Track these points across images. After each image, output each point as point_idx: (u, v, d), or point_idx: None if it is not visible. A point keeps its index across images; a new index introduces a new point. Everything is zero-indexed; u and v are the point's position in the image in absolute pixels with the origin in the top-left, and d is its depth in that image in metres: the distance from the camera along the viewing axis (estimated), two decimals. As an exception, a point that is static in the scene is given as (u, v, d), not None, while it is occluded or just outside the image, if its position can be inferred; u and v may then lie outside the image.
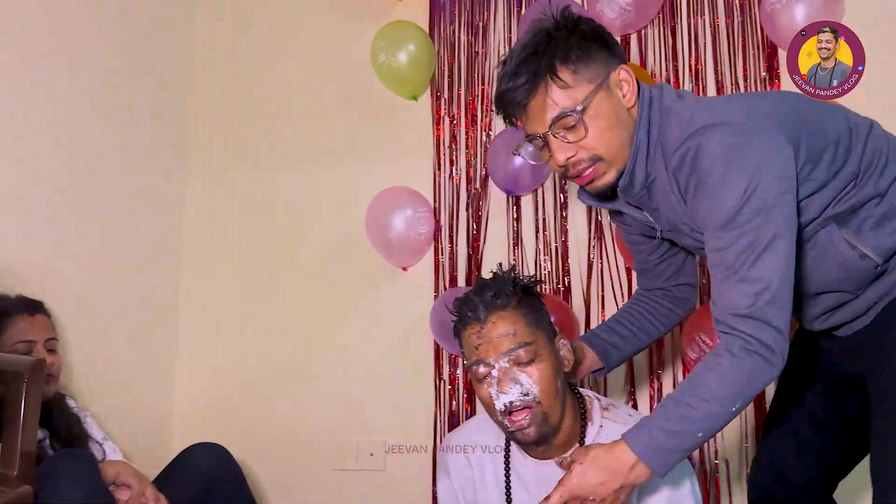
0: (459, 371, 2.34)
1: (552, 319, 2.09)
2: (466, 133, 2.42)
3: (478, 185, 2.40)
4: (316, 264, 2.54)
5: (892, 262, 1.24)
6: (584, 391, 1.51)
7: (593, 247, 2.27)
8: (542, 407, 1.35)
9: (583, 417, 1.43)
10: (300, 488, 2.44)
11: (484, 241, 2.38)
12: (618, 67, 1.29)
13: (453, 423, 2.28)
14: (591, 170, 1.31)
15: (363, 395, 2.44)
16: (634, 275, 2.18)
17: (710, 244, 1.22)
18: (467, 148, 2.42)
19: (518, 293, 1.41)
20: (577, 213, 2.30)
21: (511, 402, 1.33)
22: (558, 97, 1.27)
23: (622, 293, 2.23)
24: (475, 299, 1.40)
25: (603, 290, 2.25)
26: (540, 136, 1.31)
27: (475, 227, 2.39)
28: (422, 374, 2.38)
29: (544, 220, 2.32)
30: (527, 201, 2.35)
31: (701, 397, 1.19)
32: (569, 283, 2.28)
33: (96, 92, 2.31)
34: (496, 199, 2.37)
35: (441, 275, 2.40)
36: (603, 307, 2.24)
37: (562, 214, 2.31)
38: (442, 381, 2.35)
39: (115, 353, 2.31)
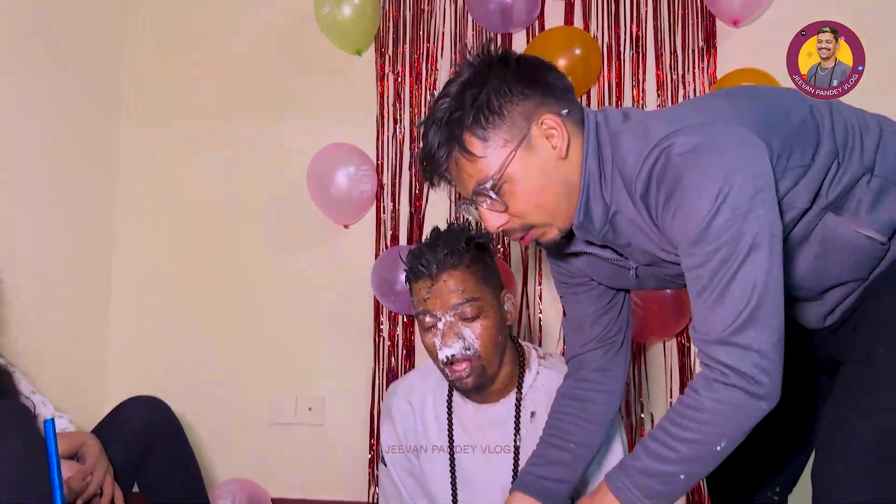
0: (399, 329, 2.37)
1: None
2: (411, 91, 2.41)
3: (421, 145, 2.40)
4: (255, 220, 2.51)
5: (894, 238, 1.15)
6: (524, 342, 1.58)
7: (533, 209, 2.31)
8: (482, 360, 1.43)
9: (521, 366, 1.52)
10: (238, 443, 2.45)
11: (426, 202, 2.39)
12: (540, 118, 1.14)
13: (392, 379, 2.32)
14: (525, 237, 1.20)
15: (302, 351, 2.45)
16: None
17: (684, 263, 1.09)
18: (411, 106, 2.41)
19: (471, 250, 1.46)
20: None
21: (453, 355, 1.42)
22: (470, 170, 1.15)
23: (559, 255, 2.28)
24: (428, 255, 1.44)
25: (540, 252, 2.30)
26: (468, 201, 1.19)
27: (418, 186, 2.40)
28: (361, 331, 2.40)
29: (486, 181, 2.35)
30: (469, 162, 2.37)
31: (680, 438, 1.07)
32: (508, 242, 2.32)
33: (27, 39, 2.21)
34: (439, 158, 2.38)
35: (382, 233, 2.41)
36: (539, 267, 2.29)
37: (503, 176, 2.33)
38: (381, 338, 2.38)
39: (45, 309, 2.26)
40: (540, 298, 2.30)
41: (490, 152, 1.13)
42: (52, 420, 1.30)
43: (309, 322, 2.46)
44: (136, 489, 1.83)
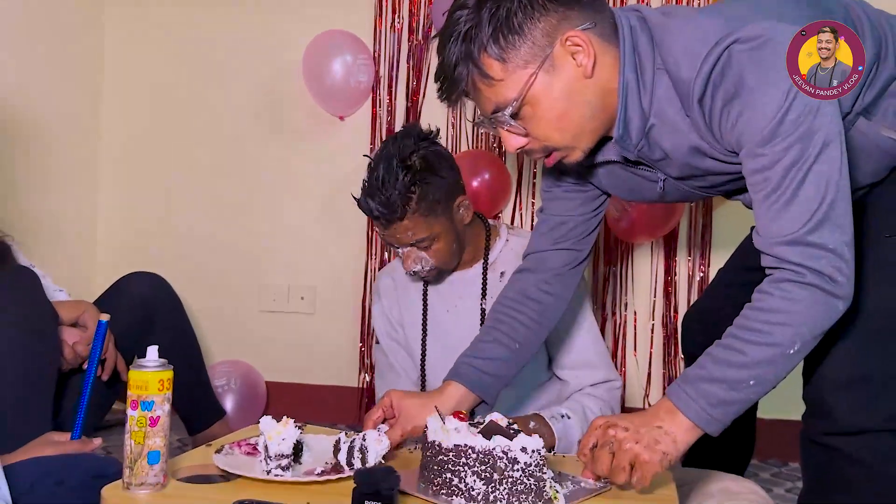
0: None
1: (487, 175, 2.19)
2: (411, -21, 2.36)
3: (420, 37, 2.36)
4: (249, 107, 2.48)
5: None
6: (493, 221, 1.71)
7: (531, 106, 2.30)
8: (440, 268, 1.61)
9: (488, 235, 1.67)
10: (230, 328, 2.49)
11: (423, 96, 2.37)
12: (564, 34, 1.07)
13: (384, 271, 2.36)
14: (548, 158, 1.16)
15: (295, 241, 2.47)
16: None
17: (750, 166, 1.06)
18: (411, -5, 2.36)
19: (414, 193, 1.49)
20: (517, 72, 2.30)
21: (416, 272, 1.60)
22: (489, 93, 1.10)
23: (555, 153, 2.30)
24: (375, 208, 1.50)
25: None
26: (489, 120, 1.14)
27: (415, 80, 2.37)
28: (354, 225, 2.42)
29: (485, 76, 2.33)
30: (468, 57, 2.34)
31: (752, 341, 1.04)
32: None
33: None
34: (438, 52, 2.35)
35: (378, 127, 2.39)
36: (534, 164, 2.31)
37: (502, 72, 2.31)
38: (374, 232, 2.40)
39: (37, 183, 2.24)
40: (534, 198, 2.33)
41: (509, 75, 1.08)
42: (106, 323, 1.31)
43: (302, 212, 2.47)
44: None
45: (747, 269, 1.27)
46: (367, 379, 2.40)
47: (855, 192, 1.20)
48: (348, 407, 2.39)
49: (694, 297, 2.22)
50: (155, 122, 2.54)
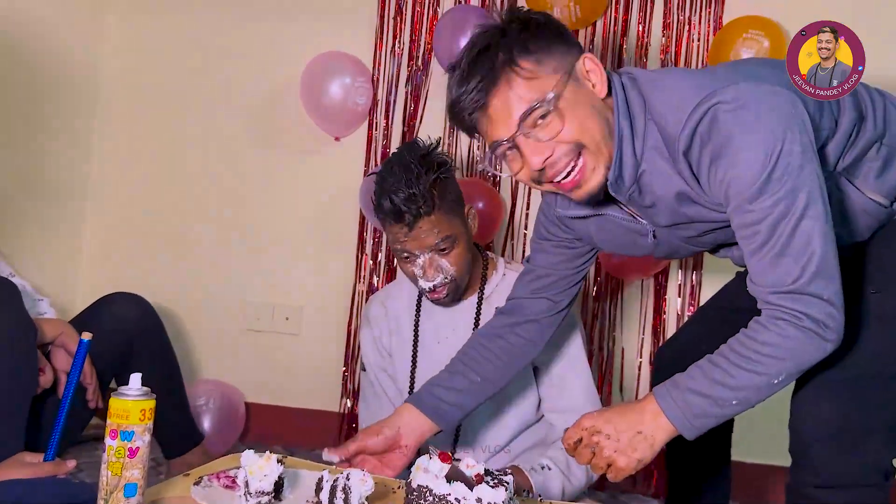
0: (382, 249, 2.37)
1: (480, 204, 2.18)
2: (413, 6, 2.35)
3: (420, 63, 2.36)
4: (244, 123, 2.46)
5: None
6: (490, 253, 1.69)
7: (527, 138, 2.30)
8: (458, 281, 1.55)
9: (484, 267, 1.64)
10: (213, 347, 2.46)
11: (420, 121, 2.36)
12: (580, 57, 1.15)
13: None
14: (576, 166, 1.15)
15: (283, 261, 2.45)
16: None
17: (738, 220, 1.10)
18: (413, 22, 2.36)
19: (438, 186, 1.48)
20: (516, 102, 2.30)
21: (435, 286, 1.53)
22: (523, 90, 1.12)
23: (550, 186, 2.29)
24: (401, 204, 1.45)
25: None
26: (507, 141, 1.13)
27: (413, 105, 2.36)
28: (344, 247, 2.40)
29: (483, 105, 2.32)
30: (467, 85, 2.33)
31: (740, 366, 1.10)
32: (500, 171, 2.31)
33: None
34: (437, 78, 2.34)
35: (373, 150, 2.38)
36: (529, 194, 2.30)
37: (500, 102, 2.31)
38: (364, 256, 2.38)
39: (23, 202, 2.20)
40: (526, 228, 2.32)
41: (543, 74, 1.12)
42: (88, 342, 1.28)
43: (292, 232, 2.44)
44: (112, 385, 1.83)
45: (735, 310, 1.28)
46: (349, 404, 2.36)
47: (851, 247, 1.25)
48: (328, 432, 2.36)
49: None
50: (148, 134, 2.51)
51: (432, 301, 1.58)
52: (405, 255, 1.51)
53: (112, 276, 2.39)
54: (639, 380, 2.25)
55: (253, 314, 2.44)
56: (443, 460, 1.08)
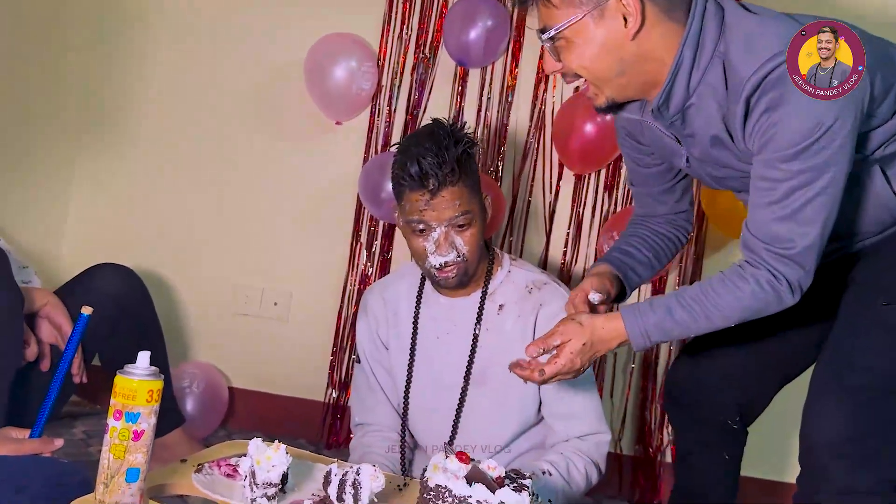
0: (378, 239, 2.32)
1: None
2: (423, -7, 2.31)
3: (427, 51, 2.31)
4: (243, 103, 2.39)
5: None
6: (496, 248, 1.66)
7: (532, 135, 2.27)
8: (468, 263, 1.52)
9: (490, 263, 1.60)
10: (200, 328, 2.39)
11: (424, 110, 2.31)
12: None
13: (364, 287, 2.28)
14: (578, 84, 1.31)
15: (274, 245, 2.38)
16: (566, 171, 2.25)
17: (760, 172, 1.17)
18: (423, 7, 2.30)
19: (466, 161, 1.48)
20: (522, 98, 2.27)
21: (445, 262, 1.49)
22: (543, 13, 1.23)
23: (552, 183, 2.26)
24: (429, 168, 1.44)
25: (533, 180, 2.28)
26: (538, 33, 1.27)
27: (417, 93, 2.32)
28: (339, 234, 2.34)
29: (489, 99, 2.29)
30: (474, 77, 2.30)
31: (707, 310, 1.22)
32: (502, 168, 2.28)
33: None
34: (444, 68, 2.30)
35: (374, 137, 2.33)
36: (531, 193, 2.27)
37: (507, 97, 2.28)
38: (359, 245, 2.33)
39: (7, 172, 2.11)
40: (525, 225, 2.29)
41: (564, 6, 1.19)
42: (88, 317, 1.21)
43: (285, 216, 2.38)
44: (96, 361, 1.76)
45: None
46: (335, 395, 2.31)
47: (852, 238, 1.28)
48: (312, 421, 2.30)
49: (678, 341, 2.20)
50: (143, 107, 2.42)
51: (438, 280, 1.53)
52: (421, 226, 1.47)
53: (99, 251, 2.30)
54: (629, 386, 2.24)
55: (242, 298, 2.38)
56: (461, 460, 1.04)
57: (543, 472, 1.44)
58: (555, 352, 1.29)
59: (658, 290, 2.23)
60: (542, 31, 1.23)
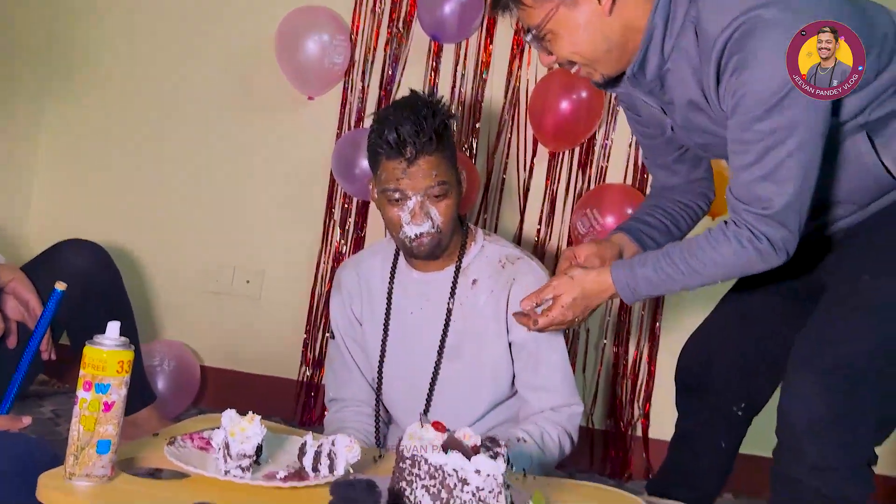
0: (351, 220, 2.30)
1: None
2: (397, -35, 2.28)
3: (400, 26, 2.29)
4: (212, 77, 2.35)
5: None
6: (469, 223, 1.66)
7: (507, 111, 2.26)
8: (442, 235, 1.52)
9: (464, 237, 1.60)
10: (170, 306, 2.36)
11: (398, 86, 2.29)
12: None
13: (338, 265, 2.26)
14: (575, 69, 1.33)
15: (247, 223, 2.35)
16: (541, 148, 2.25)
17: (737, 134, 1.19)
18: (396, -18, 2.28)
19: (445, 131, 1.48)
20: (497, 75, 2.26)
21: (421, 233, 1.49)
22: (522, 15, 1.29)
23: (527, 160, 2.26)
24: (407, 137, 1.44)
25: (507, 157, 2.27)
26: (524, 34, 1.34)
27: (391, 68, 2.29)
28: (312, 211, 2.32)
29: (463, 75, 2.27)
30: (448, 53, 2.28)
31: (693, 268, 1.26)
32: (477, 144, 2.27)
33: None
34: (418, 44, 2.28)
35: (347, 112, 2.30)
36: (505, 170, 2.27)
37: (482, 73, 2.26)
38: (332, 221, 2.31)
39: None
40: (500, 202, 2.28)
41: (538, 4, 1.25)
42: (62, 293, 1.18)
43: (257, 191, 2.35)
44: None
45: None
46: (308, 373, 2.30)
47: (830, 204, 1.27)
48: (285, 400, 2.29)
49: (649, 318, 2.22)
50: (110, 82, 2.37)
51: (412, 250, 1.52)
52: (397, 195, 1.47)
53: (66, 227, 2.25)
54: (601, 362, 2.26)
55: (213, 275, 2.35)
56: (437, 429, 1.04)
57: (518, 440, 1.45)
58: (550, 304, 1.36)
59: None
60: (527, 31, 1.29)
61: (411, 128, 1.43)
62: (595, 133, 2.20)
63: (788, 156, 1.15)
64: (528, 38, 1.30)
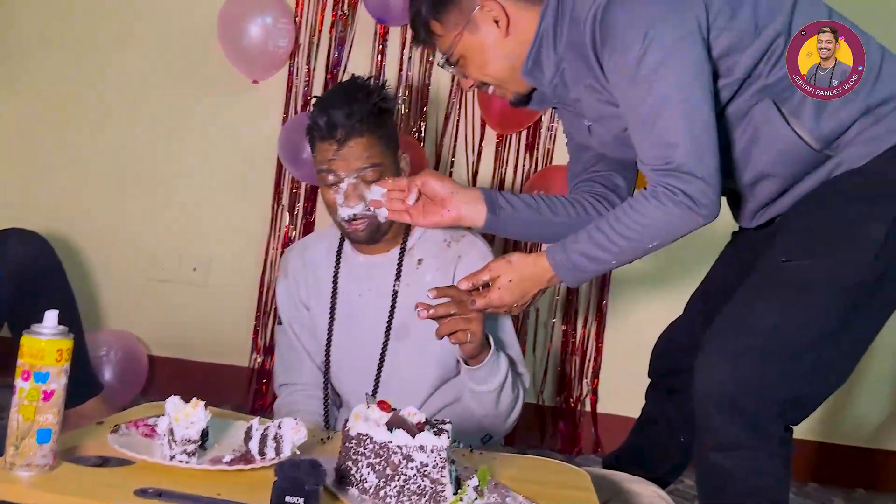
0: (300, 205, 2.29)
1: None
2: (339, -53, 2.26)
3: (345, 8, 2.27)
4: (155, 60, 2.31)
5: (831, 147, 1.21)
6: None
7: (454, 95, 2.27)
8: (378, 218, 1.51)
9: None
10: (115, 294, 2.32)
11: (344, 69, 2.28)
12: (482, 2, 1.30)
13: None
14: (491, 90, 1.40)
15: (193, 209, 2.33)
16: (489, 131, 2.26)
17: (621, 102, 1.23)
18: (338, -37, 2.26)
19: (379, 115, 1.50)
20: (443, 57, 2.27)
21: (354, 215, 1.50)
22: (437, 44, 1.36)
23: (475, 144, 2.28)
24: (338, 119, 1.47)
25: (456, 140, 2.28)
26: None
27: (337, 52, 2.28)
28: (259, 196, 2.30)
29: (410, 58, 2.27)
30: (394, 36, 2.28)
31: (621, 234, 1.23)
32: (424, 127, 2.28)
33: None
34: (364, 26, 2.27)
35: (293, 95, 2.29)
36: (454, 153, 2.28)
37: (429, 57, 2.27)
38: (280, 207, 2.30)
39: None
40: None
41: (447, 32, 1.33)
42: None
43: (203, 177, 2.33)
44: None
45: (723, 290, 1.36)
46: (260, 360, 2.29)
47: (760, 177, 1.27)
48: (237, 387, 2.28)
49: (596, 297, 2.27)
50: (51, 63, 2.31)
51: (349, 234, 1.54)
52: (330, 177, 1.49)
53: (4, 216, 2.19)
54: (550, 340, 2.30)
55: (158, 263, 2.32)
56: (382, 409, 1.05)
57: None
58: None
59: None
60: (444, 57, 1.36)
61: (342, 111, 1.46)
62: (541, 117, 2.22)
63: (665, 108, 1.16)
64: (442, 62, 1.36)
